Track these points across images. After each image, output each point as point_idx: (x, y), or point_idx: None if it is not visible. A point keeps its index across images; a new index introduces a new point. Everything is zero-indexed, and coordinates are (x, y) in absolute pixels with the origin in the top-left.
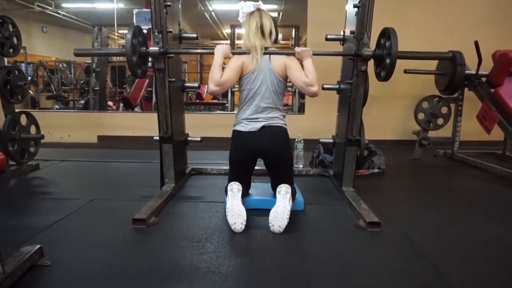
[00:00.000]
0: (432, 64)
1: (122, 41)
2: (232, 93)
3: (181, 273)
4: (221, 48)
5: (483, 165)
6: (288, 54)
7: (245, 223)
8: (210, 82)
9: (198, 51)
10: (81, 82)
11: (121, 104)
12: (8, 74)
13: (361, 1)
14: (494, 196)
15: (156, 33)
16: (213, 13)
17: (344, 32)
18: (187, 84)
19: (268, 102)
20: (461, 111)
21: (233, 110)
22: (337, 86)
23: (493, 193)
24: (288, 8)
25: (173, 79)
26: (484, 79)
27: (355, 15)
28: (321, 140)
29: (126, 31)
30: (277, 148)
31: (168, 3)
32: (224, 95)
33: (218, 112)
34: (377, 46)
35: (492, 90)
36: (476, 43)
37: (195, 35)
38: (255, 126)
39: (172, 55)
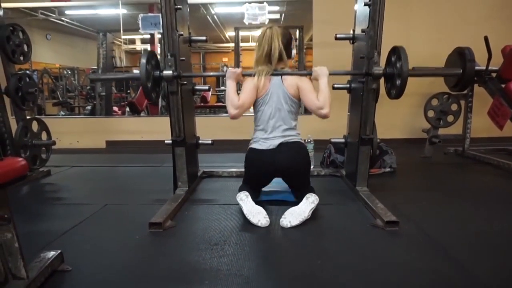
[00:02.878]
0: (441, 60)
1: (126, 47)
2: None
3: (203, 276)
4: (232, 73)
5: (495, 162)
6: (302, 75)
7: (267, 216)
8: (229, 107)
9: (211, 74)
10: (87, 88)
11: (127, 109)
12: (19, 81)
13: None
14: (510, 192)
15: (169, 57)
16: (215, 16)
17: (354, 31)
18: (197, 87)
19: (283, 122)
20: (471, 108)
21: None
22: (348, 85)
23: (508, 189)
24: (291, 9)
25: (185, 82)
26: (494, 74)
27: (368, 13)
28: (332, 140)
29: (130, 37)
30: (295, 164)
31: (179, 6)
32: None
33: (225, 114)
34: (387, 64)
35: (503, 85)
36: (486, 38)
37: (204, 38)
38: (272, 143)
39: (185, 82)
